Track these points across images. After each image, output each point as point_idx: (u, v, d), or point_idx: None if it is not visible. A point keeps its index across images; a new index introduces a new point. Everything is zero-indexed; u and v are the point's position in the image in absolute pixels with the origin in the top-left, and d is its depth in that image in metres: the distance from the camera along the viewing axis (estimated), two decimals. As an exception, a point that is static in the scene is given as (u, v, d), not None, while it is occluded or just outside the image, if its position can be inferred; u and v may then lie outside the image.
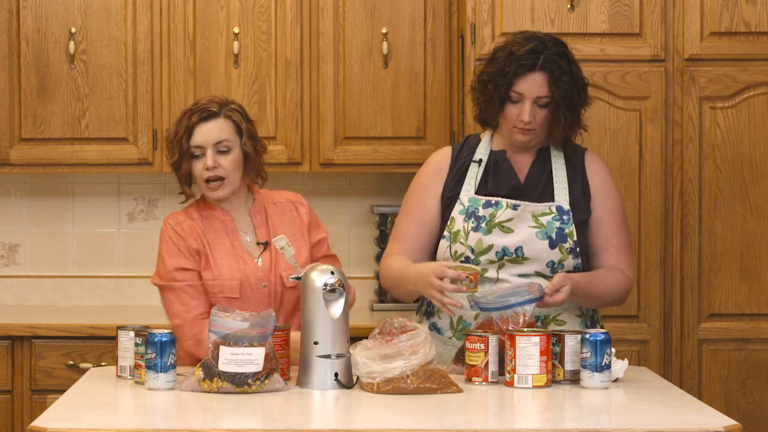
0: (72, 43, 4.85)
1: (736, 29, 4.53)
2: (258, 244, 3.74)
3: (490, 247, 3.70)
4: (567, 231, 3.71)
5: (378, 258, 5.04)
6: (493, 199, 3.75)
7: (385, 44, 4.87)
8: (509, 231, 3.72)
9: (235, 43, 4.86)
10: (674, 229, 4.54)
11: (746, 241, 4.54)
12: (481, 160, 3.81)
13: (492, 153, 3.81)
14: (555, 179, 3.77)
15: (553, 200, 3.75)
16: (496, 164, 3.79)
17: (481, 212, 3.74)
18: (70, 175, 5.19)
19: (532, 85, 3.70)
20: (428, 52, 4.88)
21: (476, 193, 3.77)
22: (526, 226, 3.71)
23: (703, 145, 4.54)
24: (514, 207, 3.73)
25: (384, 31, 4.88)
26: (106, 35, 4.88)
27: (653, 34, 4.52)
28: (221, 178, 3.68)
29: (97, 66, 4.88)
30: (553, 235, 3.71)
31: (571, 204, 3.74)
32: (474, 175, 3.80)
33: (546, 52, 3.71)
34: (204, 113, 3.68)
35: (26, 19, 4.87)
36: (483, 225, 3.72)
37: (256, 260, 3.71)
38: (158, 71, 4.89)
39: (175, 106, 4.86)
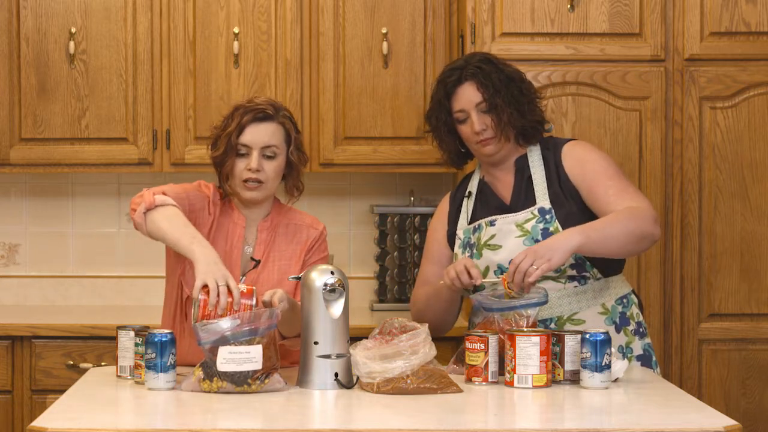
0: (72, 43, 4.85)
1: (736, 29, 4.53)
2: (251, 259, 3.67)
3: (487, 268, 3.74)
4: (552, 229, 3.71)
5: (378, 258, 5.04)
6: (476, 224, 3.79)
7: (385, 44, 4.87)
8: (497, 247, 3.73)
9: (235, 43, 4.86)
10: (674, 229, 4.54)
11: (746, 241, 4.54)
12: (470, 192, 3.86)
13: (480, 182, 3.87)
14: (534, 183, 3.78)
15: (535, 204, 3.75)
16: (481, 192, 3.84)
17: (472, 239, 3.79)
18: (70, 175, 5.19)
19: (467, 96, 3.75)
20: (428, 52, 4.88)
21: (469, 224, 3.82)
22: (512, 238, 3.73)
23: (703, 145, 4.54)
24: (492, 223, 3.75)
25: (384, 31, 4.88)
26: (106, 35, 4.87)
27: (653, 34, 4.52)
28: (260, 182, 3.63)
29: (97, 66, 4.88)
30: (539, 237, 3.70)
31: (552, 201, 3.75)
32: (466, 208, 3.86)
33: (468, 65, 3.77)
34: (259, 113, 3.63)
35: (26, 19, 4.87)
36: (474, 251, 3.76)
37: (241, 278, 3.64)
38: (158, 71, 4.89)
39: (175, 106, 4.86)
